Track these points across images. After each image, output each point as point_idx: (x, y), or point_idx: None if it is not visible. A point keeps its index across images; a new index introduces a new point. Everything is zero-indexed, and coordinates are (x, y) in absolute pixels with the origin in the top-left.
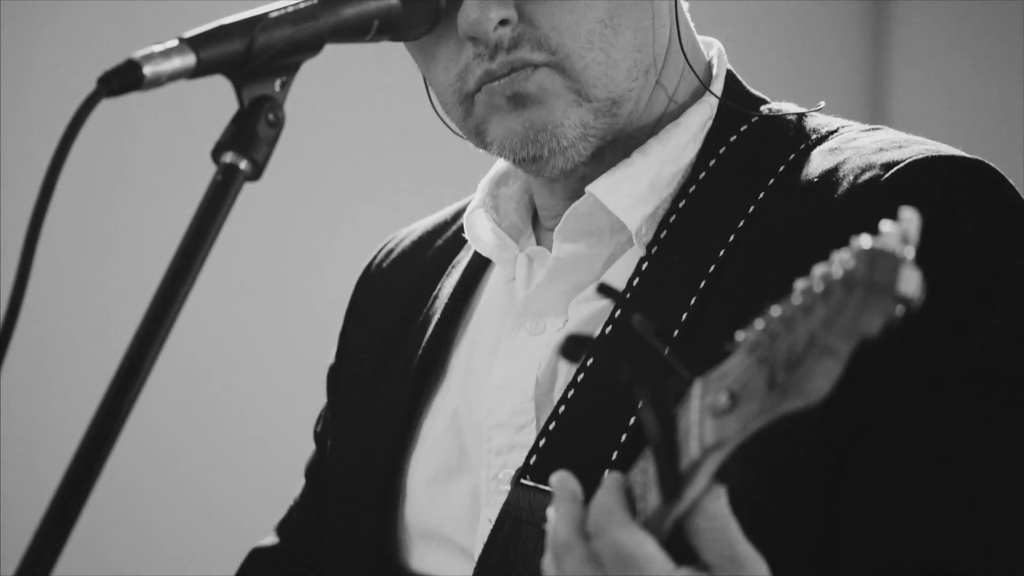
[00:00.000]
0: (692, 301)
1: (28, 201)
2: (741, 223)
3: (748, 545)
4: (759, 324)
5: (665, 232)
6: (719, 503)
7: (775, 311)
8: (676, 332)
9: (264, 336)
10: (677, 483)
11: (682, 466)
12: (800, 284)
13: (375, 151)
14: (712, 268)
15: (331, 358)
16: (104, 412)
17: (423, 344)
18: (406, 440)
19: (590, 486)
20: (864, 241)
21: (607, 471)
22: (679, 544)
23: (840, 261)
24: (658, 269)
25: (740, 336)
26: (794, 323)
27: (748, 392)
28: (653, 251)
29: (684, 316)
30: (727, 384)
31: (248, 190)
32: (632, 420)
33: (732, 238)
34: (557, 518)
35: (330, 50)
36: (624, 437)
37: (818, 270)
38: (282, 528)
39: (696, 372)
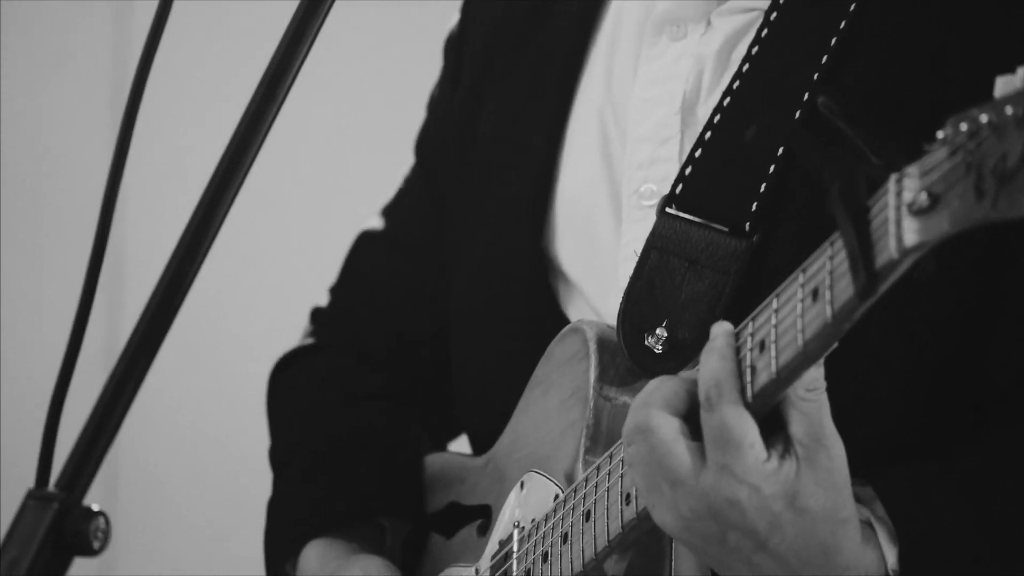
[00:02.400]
0: (833, 42)
1: None
2: None
3: (832, 425)
4: (962, 125)
5: None
6: (819, 372)
7: (981, 116)
8: (816, 75)
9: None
10: (872, 281)
11: (878, 264)
12: (1007, 86)
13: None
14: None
15: (451, 25)
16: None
17: (564, 32)
18: (560, 130)
19: (739, 216)
20: None
21: (755, 203)
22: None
23: None
24: None
25: (940, 134)
26: (1006, 133)
27: (952, 194)
28: None
29: (825, 59)
30: (928, 183)
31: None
32: (781, 149)
33: None
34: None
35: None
36: (773, 167)
37: None
38: (390, 211)
39: (889, 163)
